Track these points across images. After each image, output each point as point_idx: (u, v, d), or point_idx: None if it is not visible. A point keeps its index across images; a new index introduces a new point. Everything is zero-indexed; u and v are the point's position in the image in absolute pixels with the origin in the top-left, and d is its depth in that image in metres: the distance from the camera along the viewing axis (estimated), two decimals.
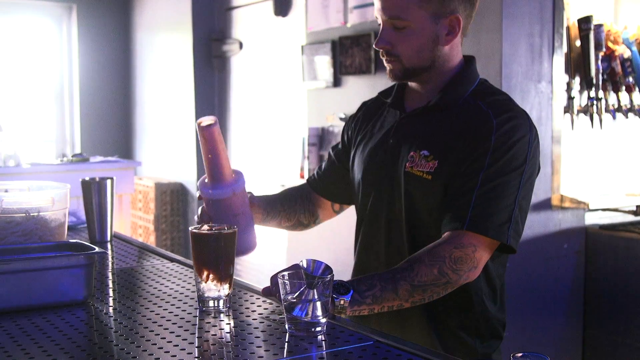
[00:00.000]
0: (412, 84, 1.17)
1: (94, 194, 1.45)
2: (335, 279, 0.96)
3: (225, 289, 1.02)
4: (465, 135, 1.07)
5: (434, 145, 1.09)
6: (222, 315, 1.00)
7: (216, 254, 1.00)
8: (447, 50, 1.09)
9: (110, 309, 1.05)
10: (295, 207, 1.31)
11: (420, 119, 1.13)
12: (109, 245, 1.47)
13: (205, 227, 1.02)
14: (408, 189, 1.11)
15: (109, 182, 1.46)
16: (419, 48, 1.07)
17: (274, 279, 1.02)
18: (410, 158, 1.11)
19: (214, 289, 1.01)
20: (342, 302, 0.97)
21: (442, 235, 1.06)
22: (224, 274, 1.01)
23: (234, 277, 1.04)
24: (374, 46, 1.14)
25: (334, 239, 2.67)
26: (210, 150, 1.11)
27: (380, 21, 1.11)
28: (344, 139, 1.30)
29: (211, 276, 1.00)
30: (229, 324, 0.97)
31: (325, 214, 1.34)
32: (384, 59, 1.12)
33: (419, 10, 1.06)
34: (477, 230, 1.02)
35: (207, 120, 1.07)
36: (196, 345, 0.89)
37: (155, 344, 0.88)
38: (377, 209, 1.17)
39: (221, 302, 1.02)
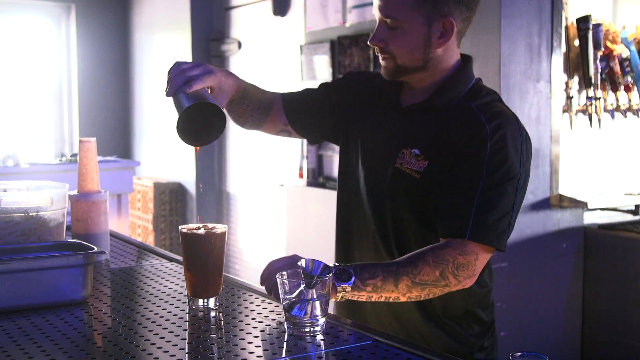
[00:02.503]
0: (407, 78, 1.17)
1: None
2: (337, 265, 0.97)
3: (215, 287, 1.02)
4: (458, 139, 1.07)
5: (425, 145, 1.10)
6: (216, 313, 1.00)
7: (206, 253, 1.00)
8: (440, 53, 1.10)
9: (109, 309, 1.05)
10: (252, 112, 1.24)
11: (414, 116, 1.14)
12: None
13: (195, 226, 1.02)
14: (395, 185, 1.12)
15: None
16: (410, 48, 1.09)
17: (268, 271, 1.03)
18: (401, 155, 1.12)
19: (204, 288, 1.01)
20: (344, 287, 0.99)
21: (440, 237, 1.08)
22: (214, 273, 1.01)
23: (234, 277, 1.04)
24: (368, 42, 1.14)
25: (333, 239, 2.67)
26: None
27: (376, 18, 1.12)
28: (323, 100, 1.26)
29: (201, 275, 1.00)
30: (228, 323, 0.97)
31: (271, 127, 1.27)
32: (379, 56, 1.13)
33: (412, 12, 1.07)
34: (481, 241, 1.05)
35: None
36: (195, 345, 0.89)
37: (154, 344, 0.88)
38: (366, 199, 1.18)
39: (211, 300, 1.02)
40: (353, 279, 1.00)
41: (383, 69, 1.13)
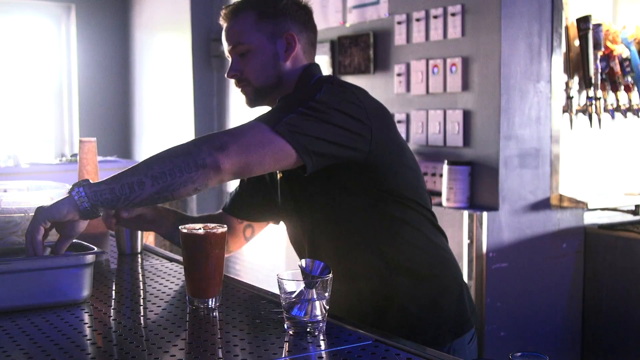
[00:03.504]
0: (269, 105, 1.23)
1: None
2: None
3: (215, 287, 1.02)
4: None
5: None
6: (216, 313, 1.00)
7: (206, 253, 1.00)
8: (289, 66, 1.19)
9: (109, 309, 1.05)
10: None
11: None
12: (139, 258, 1.38)
13: (195, 226, 1.02)
14: (284, 191, 1.19)
15: None
16: (262, 67, 1.17)
17: None
18: (280, 175, 1.21)
19: (204, 288, 1.01)
20: (77, 191, 0.97)
21: None
22: (214, 273, 1.01)
23: (234, 277, 1.04)
24: (226, 76, 1.21)
25: None
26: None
27: (227, 55, 1.21)
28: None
29: (201, 275, 1.00)
30: (228, 324, 0.97)
31: (235, 239, 1.34)
32: (239, 89, 1.21)
33: (256, 33, 1.17)
34: (262, 120, 1.03)
35: None
36: (195, 345, 0.89)
37: (154, 344, 0.88)
38: (299, 227, 1.25)
39: (212, 301, 1.02)
40: (84, 185, 0.98)
41: (245, 99, 1.21)
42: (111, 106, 4.48)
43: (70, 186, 1.00)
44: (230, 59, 1.21)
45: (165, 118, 4.19)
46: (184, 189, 0.99)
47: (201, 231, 1.01)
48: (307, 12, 1.22)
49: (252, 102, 1.21)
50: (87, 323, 0.98)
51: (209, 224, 1.03)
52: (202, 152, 0.98)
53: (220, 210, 1.36)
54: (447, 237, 1.26)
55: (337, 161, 1.07)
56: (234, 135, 1.01)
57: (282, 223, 1.34)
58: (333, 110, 1.06)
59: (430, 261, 1.19)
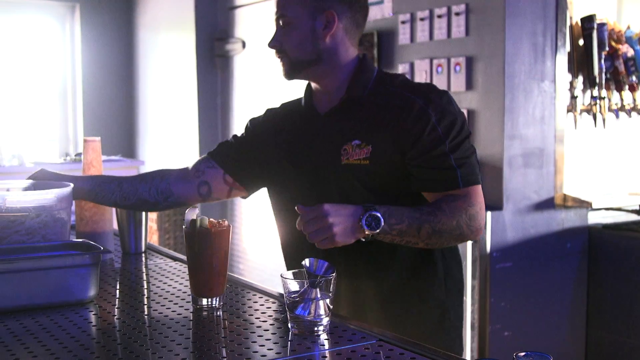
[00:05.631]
0: (315, 86, 1.24)
1: None
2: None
3: (219, 287, 1.02)
4: (390, 118, 1.16)
5: (361, 133, 1.17)
6: (220, 312, 1.00)
7: (210, 252, 1.00)
8: (330, 44, 1.19)
9: (114, 308, 1.05)
10: (136, 186, 1.30)
11: (336, 117, 1.21)
12: (143, 257, 1.38)
13: (198, 224, 1.02)
14: (346, 182, 1.17)
15: None
16: (299, 41, 1.19)
17: None
18: (344, 152, 1.17)
19: (208, 287, 1.01)
20: (372, 233, 1.06)
21: (431, 198, 1.16)
22: (218, 272, 1.01)
23: (238, 276, 1.04)
24: (267, 45, 1.23)
25: None
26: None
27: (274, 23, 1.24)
28: (247, 139, 1.31)
29: (205, 274, 1.00)
30: (232, 323, 0.97)
31: (187, 192, 1.31)
32: (279, 61, 1.23)
33: (298, 7, 1.19)
34: (473, 182, 1.15)
35: None
36: (199, 344, 0.89)
37: (159, 343, 0.88)
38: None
39: (216, 300, 1.02)
40: (382, 224, 1.06)
41: (282, 71, 1.22)
42: (115, 105, 4.49)
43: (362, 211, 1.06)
44: (275, 28, 1.23)
45: (169, 117, 4.19)
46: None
47: (205, 230, 1.01)
48: None
49: (289, 74, 1.22)
50: (92, 322, 0.98)
51: (212, 219, 1.03)
52: (471, 233, 1.14)
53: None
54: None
55: None
56: (484, 209, 1.17)
57: None
58: (467, 138, 1.17)
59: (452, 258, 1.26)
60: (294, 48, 1.19)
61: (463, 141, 1.15)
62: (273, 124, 1.29)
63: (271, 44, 1.22)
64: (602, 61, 2.36)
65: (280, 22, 1.20)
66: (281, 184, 1.26)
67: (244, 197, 1.36)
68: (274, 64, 1.25)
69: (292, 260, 1.27)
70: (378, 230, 1.05)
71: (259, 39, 3.54)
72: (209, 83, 3.83)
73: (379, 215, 1.06)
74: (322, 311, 0.91)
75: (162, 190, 1.31)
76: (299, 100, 1.29)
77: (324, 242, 1.04)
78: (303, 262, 0.96)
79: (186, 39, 3.93)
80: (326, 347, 0.87)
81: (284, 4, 1.20)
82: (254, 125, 1.32)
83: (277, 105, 1.35)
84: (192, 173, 1.31)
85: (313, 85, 1.25)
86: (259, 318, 0.98)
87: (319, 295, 0.91)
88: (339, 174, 1.18)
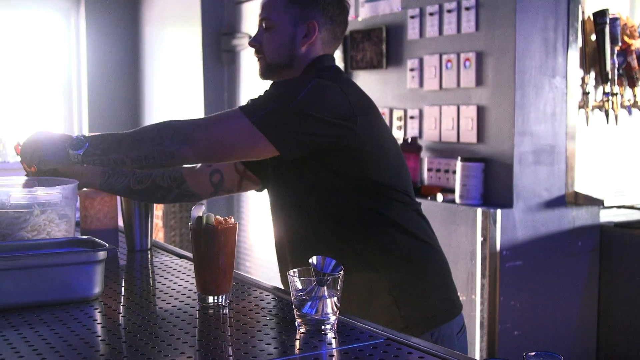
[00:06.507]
0: None
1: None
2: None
3: (225, 284, 1.00)
4: None
5: None
6: (226, 310, 0.99)
7: (216, 249, 0.99)
8: (304, 52, 1.25)
9: (119, 306, 1.04)
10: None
11: None
12: (149, 254, 1.37)
13: (205, 220, 1.01)
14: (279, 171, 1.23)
15: None
16: (279, 45, 1.24)
17: None
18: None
19: (214, 285, 1.00)
20: (76, 156, 1.13)
21: None
22: (224, 269, 1.00)
23: (245, 274, 1.03)
24: (248, 43, 1.29)
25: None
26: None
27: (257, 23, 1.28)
28: None
29: (211, 272, 0.99)
30: (239, 321, 0.96)
31: (199, 180, 1.33)
32: (256, 59, 1.28)
33: (283, 14, 1.24)
34: (243, 110, 1.14)
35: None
36: (205, 342, 0.88)
37: (164, 341, 0.87)
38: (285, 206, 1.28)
39: (222, 298, 1.01)
40: (86, 145, 1.13)
41: (258, 69, 1.28)
42: (121, 101, 4.49)
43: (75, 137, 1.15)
44: (257, 28, 1.28)
45: (175, 113, 4.19)
46: (160, 168, 1.17)
47: (212, 227, 1.00)
48: (341, 7, 1.27)
49: (263, 74, 1.28)
50: (96, 320, 0.97)
51: (219, 217, 1.02)
52: (172, 144, 1.11)
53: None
54: (432, 227, 1.30)
55: (317, 148, 1.15)
56: (204, 127, 1.13)
57: None
58: (313, 105, 1.14)
59: (410, 249, 1.23)
60: (272, 51, 1.24)
61: (278, 90, 1.17)
62: None
63: (251, 43, 1.27)
64: (615, 57, 2.33)
65: (264, 24, 1.25)
66: (269, 181, 1.30)
67: (258, 191, 1.36)
68: None
69: (280, 261, 1.29)
70: (82, 152, 1.12)
71: None
72: (215, 78, 3.82)
73: (84, 138, 1.14)
74: (329, 309, 0.90)
75: (175, 176, 1.32)
76: None
77: (39, 164, 1.17)
78: (310, 260, 0.95)
79: (192, 34, 3.92)
80: (333, 345, 0.86)
81: (270, 9, 1.24)
82: None
83: None
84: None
85: None
86: (265, 316, 0.97)
87: (326, 294, 0.90)
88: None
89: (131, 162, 1.12)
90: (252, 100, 1.18)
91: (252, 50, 1.27)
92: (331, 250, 1.17)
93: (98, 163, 1.14)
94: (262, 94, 1.19)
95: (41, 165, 1.18)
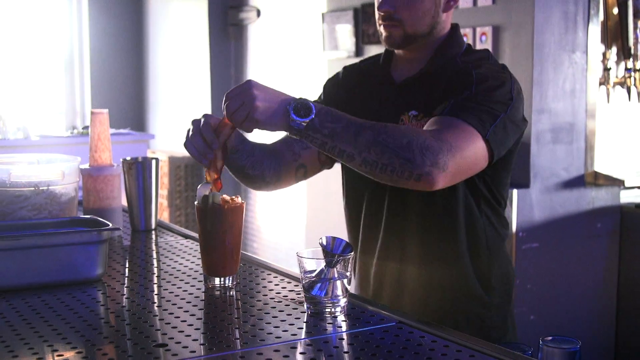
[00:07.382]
0: (399, 53, 1.17)
1: (136, 175, 1.32)
2: None
3: (232, 265, 0.98)
4: (450, 90, 1.07)
5: (422, 105, 1.11)
6: (233, 292, 0.97)
7: (223, 229, 0.96)
8: (444, 18, 1.13)
9: (123, 287, 1.02)
10: (264, 158, 1.15)
11: (408, 88, 1.15)
12: (153, 235, 1.35)
13: (211, 200, 0.97)
14: None
15: (153, 162, 1.34)
16: (423, 13, 1.09)
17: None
18: (401, 122, 1.12)
19: (221, 266, 0.97)
20: (300, 123, 0.92)
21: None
22: (231, 250, 0.97)
23: (252, 255, 1.00)
24: (376, 9, 1.11)
25: None
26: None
27: None
28: (324, 101, 1.25)
29: (218, 253, 0.97)
30: (246, 303, 0.94)
31: (287, 176, 1.20)
32: (381, 25, 1.11)
33: None
34: (463, 117, 0.99)
35: None
36: (211, 325, 0.86)
37: (169, 323, 0.85)
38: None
39: (228, 279, 0.98)
40: (312, 116, 0.92)
41: (387, 38, 1.11)
42: (124, 77, 4.44)
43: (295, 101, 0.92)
44: None
45: (180, 89, 4.14)
46: (386, 182, 0.98)
47: (219, 205, 0.97)
48: None
49: (396, 45, 1.11)
50: (100, 301, 0.96)
51: (225, 196, 0.98)
52: (424, 165, 0.93)
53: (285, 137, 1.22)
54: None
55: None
56: (455, 153, 0.96)
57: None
58: (517, 112, 1.06)
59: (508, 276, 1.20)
60: (414, 20, 1.08)
61: (491, 92, 1.02)
62: (346, 85, 1.22)
63: (384, 8, 1.08)
64: (638, 31, 2.28)
65: None
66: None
67: (329, 168, 1.27)
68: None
69: (351, 237, 1.21)
70: (306, 122, 0.91)
71: (275, 7, 3.45)
72: (222, 53, 3.75)
73: (311, 104, 0.92)
74: (339, 292, 0.88)
75: (275, 173, 1.19)
76: (377, 60, 1.20)
77: (246, 123, 0.92)
78: (319, 241, 0.91)
79: (198, 7, 3.85)
80: (343, 329, 0.84)
81: None
82: (329, 87, 1.25)
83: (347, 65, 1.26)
84: (290, 157, 1.19)
85: (397, 51, 1.16)
86: (273, 298, 0.95)
87: (336, 275, 0.87)
88: None
89: (361, 163, 0.93)
90: (469, 104, 1.01)
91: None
92: (444, 275, 1.12)
93: (318, 144, 0.93)
94: (469, 88, 1.03)
95: (244, 126, 0.93)
